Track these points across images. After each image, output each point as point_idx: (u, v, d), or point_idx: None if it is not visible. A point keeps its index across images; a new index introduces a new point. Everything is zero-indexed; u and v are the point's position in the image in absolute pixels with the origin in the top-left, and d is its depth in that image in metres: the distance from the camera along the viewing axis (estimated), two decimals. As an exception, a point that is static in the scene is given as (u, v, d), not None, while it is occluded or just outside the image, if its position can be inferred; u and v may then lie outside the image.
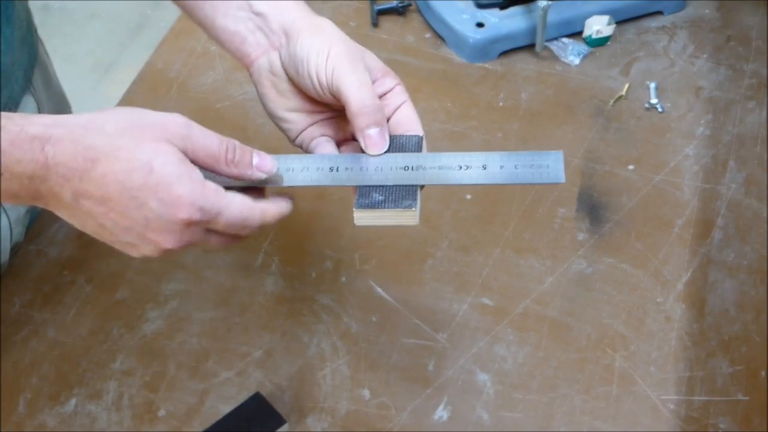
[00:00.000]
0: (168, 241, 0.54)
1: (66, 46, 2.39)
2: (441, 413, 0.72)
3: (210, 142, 0.55)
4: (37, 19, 0.84)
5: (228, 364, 0.75)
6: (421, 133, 0.62)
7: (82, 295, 0.80)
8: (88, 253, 0.83)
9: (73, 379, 0.75)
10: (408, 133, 0.61)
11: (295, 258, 0.83)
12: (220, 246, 0.58)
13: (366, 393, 0.73)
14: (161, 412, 0.72)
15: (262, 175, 0.57)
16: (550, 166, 0.57)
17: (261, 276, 0.81)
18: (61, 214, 0.55)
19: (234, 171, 0.56)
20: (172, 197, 0.52)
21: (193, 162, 0.54)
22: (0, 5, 0.72)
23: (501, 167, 0.58)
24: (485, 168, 0.58)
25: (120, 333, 0.77)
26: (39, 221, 0.85)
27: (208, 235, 0.56)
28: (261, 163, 0.57)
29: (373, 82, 0.61)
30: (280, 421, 0.68)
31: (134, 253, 0.56)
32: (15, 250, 0.83)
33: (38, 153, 0.51)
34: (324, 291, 0.80)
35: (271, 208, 0.58)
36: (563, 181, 0.57)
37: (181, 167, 0.53)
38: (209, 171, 0.56)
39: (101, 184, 0.52)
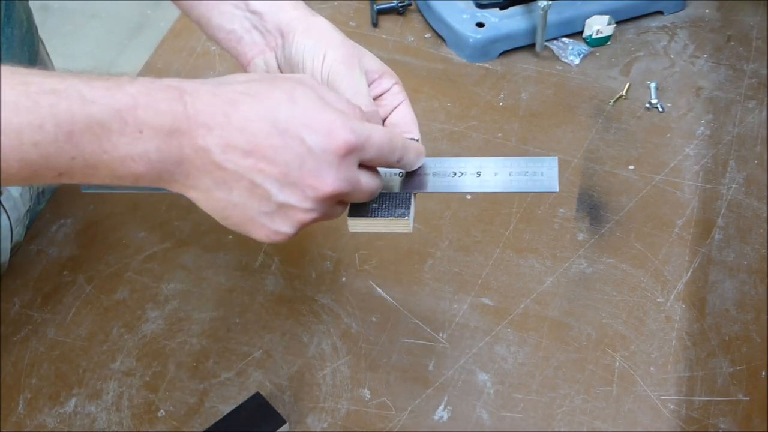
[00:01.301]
0: (327, 181, 0.50)
1: (66, 46, 2.38)
2: (441, 413, 0.72)
3: (339, 96, 0.54)
4: (37, 19, 0.84)
5: (228, 364, 0.75)
6: (417, 135, 0.62)
7: (82, 295, 0.80)
8: (88, 253, 0.83)
9: (73, 379, 0.75)
10: (405, 135, 0.61)
11: (295, 258, 0.83)
12: (369, 192, 0.55)
13: (366, 393, 0.73)
14: (161, 412, 0.72)
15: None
16: (545, 174, 0.57)
17: (261, 276, 0.81)
18: (198, 193, 0.50)
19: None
20: (323, 123, 0.50)
21: None
22: (1, 5, 0.72)
23: (495, 174, 0.58)
24: (479, 175, 0.58)
25: (120, 333, 0.77)
26: (39, 221, 0.85)
27: (360, 172, 0.53)
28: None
29: (371, 83, 0.61)
30: (280, 421, 0.68)
31: (264, 231, 0.52)
32: (15, 249, 0.83)
33: (177, 101, 0.48)
34: (324, 291, 0.80)
35: (412, 143, 0.57)
36: (557, 190, 0.57)
37: (321, 99, 0.51)
38: None
39: (246, 127, 0.48)
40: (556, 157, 0.58)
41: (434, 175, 0.59)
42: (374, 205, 0.58)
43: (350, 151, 0.51)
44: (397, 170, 0.59)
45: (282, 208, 0.51)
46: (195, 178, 0.50)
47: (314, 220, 0.52)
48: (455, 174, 0.58)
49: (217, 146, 0.48)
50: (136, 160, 0.47)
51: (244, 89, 0.50)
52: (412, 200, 0.59)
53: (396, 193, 0.58)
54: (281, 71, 0.62)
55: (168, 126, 0.47)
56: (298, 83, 0.51)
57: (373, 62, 0.62)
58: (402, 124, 0.61)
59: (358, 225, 0.58)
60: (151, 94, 0.47)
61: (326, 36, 0.60)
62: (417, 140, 0.61)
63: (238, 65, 0.65)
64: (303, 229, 0.53)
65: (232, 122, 0.48)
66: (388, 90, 0.62)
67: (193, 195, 0.51)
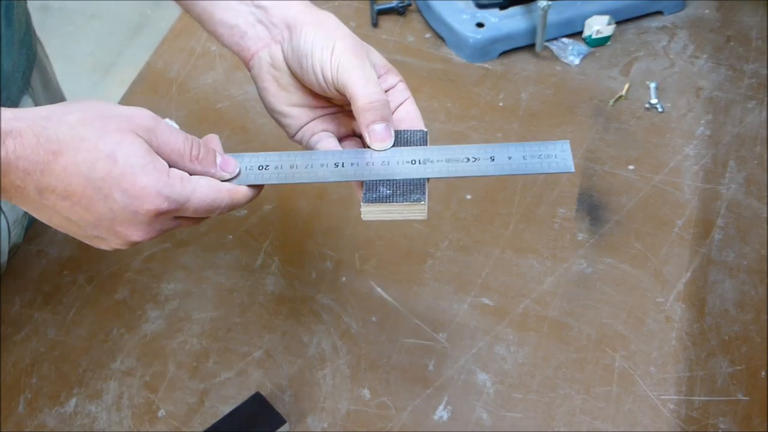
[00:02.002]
0: (137, 234, 0.54)
1: (66, 46, 2.39)
2: (441, 413, 0.72)
3: (175, 137, 0.55)
4: (37, 20, 0.84)
5: (228, 364, 0.75)
6: (423, 129, 0.62)
7: (82, 295, 0.80)
8: (88, 253, 0.83)
9: (73, 379, 0.75)
10: (412, 128, 0.61)
11: (295, 258, 0.83)
12: (191, 226, 0.58)
13: (366, 393, 0.73)
14: (161, 412, 0.72)
15: (226, 175, 0.57)
16: (558, 155, 0.57)
17: (261, 276, 0.81)
18: (26, 208, 0.53)
19: (198, 168, 0.56)
20: (136, 189, 0.52)
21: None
22: (0, 6, 0.72)
23: (509, 158, 0.57)
24: (493, 160, 0.58)
25: (120, 333, 0.77)
26: (39, 222, 0.85)
27: (178, 221, 0.56)
28: (224, 164, 0.57)
29: (378, 77, 0.60)
30: (280, 421, 0.68)
31: (104, 246, 0.55)
32: (14, 251, 0.83)
33: None
34: (324, 291, 0.80)
35: (240, 190, 0.57)
36: (572, 170, 0.57)
37: (146, 157, 0.52)
38: (173, 167, 0.55)
39: (63, 177, 0.51)
40: (568, 141, 0.58)
41: (448, 161, 0.58)
42: (388, 191, 0.57)
43: (161, 215, 0.53)
44: (410, 158, 0.59)
45: (98, 238, 0.55)
46: (21, 204, 0.53)
47: (138, 240, 0.55)
48: (468, 160, 0.58)
49: (36, 189, 0.51)
50: None
51: (72, 134, 0.51)
52: (427, 186, 0.58)
53: (410, 179, 0.58)
54: (288, 64, 0.62)
55: None
56: (129, 133, 0.52)
57: (378, 58, 0.62)
58: (408, 119, 0.62)
59: (371, 212, 0.57)
60: None
61: (335, 28, 0.60)
62: (426, 132, 0.61)
63: (240, 65, 0.65)
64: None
65: (52, 168, 0.50)
66: (394, 87, 0.62)
67: (35, 215, 0.55)
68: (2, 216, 0.79)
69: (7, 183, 0.50)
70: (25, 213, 0.84)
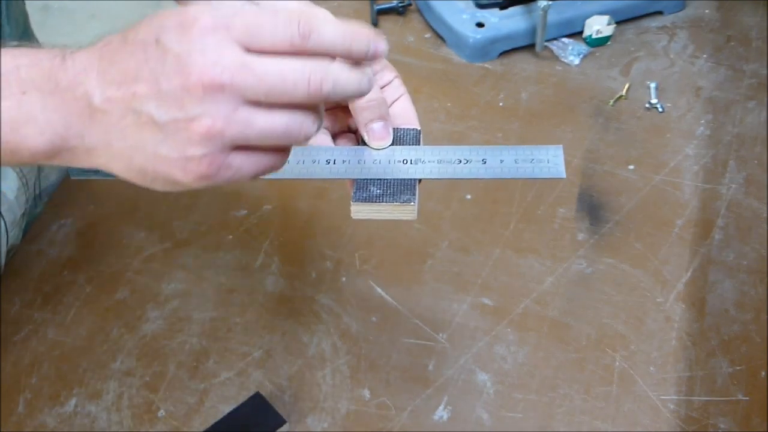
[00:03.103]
0: (193, 69, 0.43)
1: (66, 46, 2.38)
2: (441, 413, 0.72)
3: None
4: (37, 20, 0.85)
5: (228, 364, 0.75)
6: (417, 127, 0.62)
7: (82, 295, 0.80)
8: (88, 253, 0.83)
9: (73, 379, 0.75)
10: (405, 127, 0.61)
11: (295, 258, 0.83)
12: (271, 84, 0.44)
13: (366, 393, 0.73)
14: (161, 412, 0.72)
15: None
16: (550, 160, 0.57)
17: (261, 276, 0.81)
18: (102, 156, 0.46)
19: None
20: (182, 15, 0.44)
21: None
22: (0, 4, 0.72)
23: (501, 161, 0.57)
24: (485, 162, 0.58)
25: (120, 333, 0.77)
26: (39, 222, 0.85)
27: (247, 54, 0.44)
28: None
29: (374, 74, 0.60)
30: (280, 421, 0.68)
31: (179, 164, 0.45)
32: (11, 252, 0.83)
33: (57, 57, 0.46)
34: (324, 291, 0.80)
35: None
36: (563, 176, 0.57)
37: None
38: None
39: (114, 59, 0.45)
40: (561, 146, 0.58)
41: (439, 162, 0.58)
42: (378, 191, 0.57)
43: (211, 29, 0.43)
44: (402, 157, 0.59)
45: (170, 126, 0.44)
46: (89, 136, 0.46)
47: (216, 129, 0.44)
48: (461, 161, 0.58)
49: (95, 88, 0.45)
50: (23, 125, 0.45)
51: (120, 32, 0.47)
52: (417, 187, 0.58)
53: (401, 179, 0.58)
54: None
55: (49, 81, 0.45)
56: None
57: None
58: (403, 116, 0.61)
59: (361, 211, 0.57)
60: (34, 55, 0.46)
61: None
62: (419, 131, 0.61)
63: None
64: (232, 149, 0.46)
65: (105, 58, 0.46)
66: (389, 83, 0.62)
67: (102, 161, 0.47)
68: (0, 218, 0.79)
69: (73, 96, 0.45)
70: (23, 214, 0.84)
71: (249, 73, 0.43)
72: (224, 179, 0.46)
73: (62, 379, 0.75)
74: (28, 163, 0.46)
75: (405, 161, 0.58)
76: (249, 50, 0.44)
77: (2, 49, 0.46)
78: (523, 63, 1.00)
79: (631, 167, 0.89)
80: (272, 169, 0.48)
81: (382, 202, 0.57)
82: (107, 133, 0.45)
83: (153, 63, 0.44)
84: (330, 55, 0.46)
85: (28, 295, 0.80)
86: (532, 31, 0.99)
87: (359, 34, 0.46)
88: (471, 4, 1.02)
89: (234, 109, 0.44)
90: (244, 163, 0.46)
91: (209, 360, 0.76)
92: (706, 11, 1.05)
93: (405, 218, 0.57)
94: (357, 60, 0.47)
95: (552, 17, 0.97)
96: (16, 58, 0.46)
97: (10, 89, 0.45)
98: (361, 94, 0.48)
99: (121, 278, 0.81)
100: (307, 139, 0.47)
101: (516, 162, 0.57)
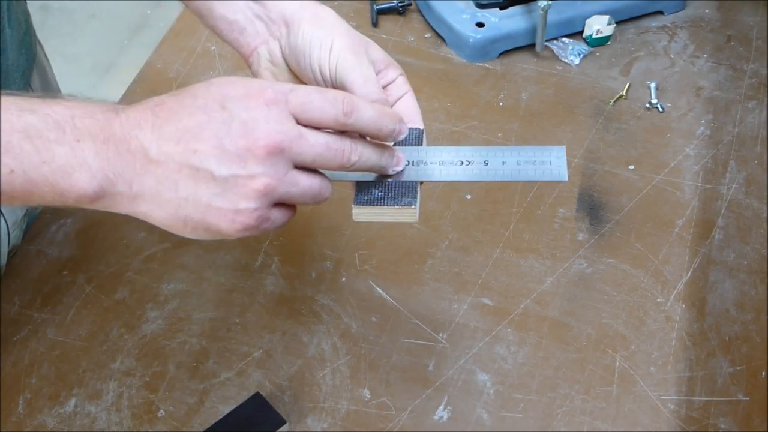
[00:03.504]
0: (259, 135, 0.49)
1: (66, 46, 2.39)
2: (441, 413, 0.72)
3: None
4: (37, 20, 0.84)
5: (228, 364, 0.75)
6: (421, 125, 0.61)
7: (82, 295, 0.80)
8: (88, 253, 0.83)
9: (72, 379, 0.74)
10: (409, 125, 0.61)
11: (295, 258, 0.82)
12: (317, 146, 0.52)
13: (366, 393, 0.73)
14: (161, 412, 0.72)
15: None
16: (553, 162, 0.57)
17: (261, 276, 0.81)
18: (148, 204, 0.50)
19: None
20: (240, 87, 0.50)
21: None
22: (1, 6, 0.72)
23: (503, 163, 0.57)
24: (487, 164, 0.57)
25: (120, 333, 0.77)
26: (38, 222, 0.85)
27: (299, 127, 0.51)
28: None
29: (377, 73, 0.60)
30: (280, 421, 0.68)
31: (228, 216, 0.51)
32: (12, 253, 0.83)
33: (110, 111, 0.49)
34: (324, 291, 0.80)
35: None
36: (566, 179, 0.56)
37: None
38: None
39: (172, 117, 0.49)
40: (564, 147, 0.57)
41: (441, 164, 0.58)
42: (380, 193, 0.57)
43: (274, 101, 0.50)
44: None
45: (229, 182, 0.50)
46: (139, 184, 0.50)
47: (271, 187, 0.50)
48: (462, 163, 0.58)
49: (151, 142, 0.49)
50: (76, 170, 0.48)
51: (171, 94, 0.52)
52: (419, 189, 0.58)
53: (402, 181, 0.58)
54: (286, 60, 0.61)
55: (103, 131, 0.48)
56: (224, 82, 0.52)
57: (378, 53, 0.61)
58: (407, 114, 0.61)
59: (363, 214, 0.57)
60: (87, 107, 0.49)
61: (333, 25, 0.60)
62: (422, 131, 0.61)
63: (241, 65, 0.65)
64: (273, 205, 0.52)
65: (160, 117, 0.50)
66: (393, 81, 0.62)
67: (145, 208, 0.51)
68: (1, 218, 0.79)
69: (127, 147, 0.49)
70: (24, 215, 0.84)
71: (304, 142, 0.51)
72: (262, 230, 0.52)
73: (62, 379, 0.75)
74: (72, 205, 0.49)
75: (407, 162, 0.58)
76: (299, 122, 0.51)
77: (57, 99, 0.49)
78: (523, 63, 1.00)
79: (632, 167, 0.89)
80: (290, 220, 0.55)
81: (384, 205, 0.57)
82: (159, 183, 0.50)
83: (216, 125, 0.49)
84: (364, 132, 0.54)
85: (27, 295, 0.80)
86: (532, 31, 0.99)
87: (389, 117, 0.54)
88: (471, 4, 1.02)
89: (286, 171, 0.51)
90: (279, 217, 0.53)
91: (209, 360, 0.76)
92: (707, 11, 1.05)
93: (406, 221, 0.57)
94: (385, 137, 0.55)
95: (552, 17, 0.97)
96: (70, 109, 0.49)
97: (65, 137, 0.48)
98: (380, 171, 0.56)
99: (121, 278, 0.81)
100: (324, 200, 0.55)
101: (518, 164, 0.57)
